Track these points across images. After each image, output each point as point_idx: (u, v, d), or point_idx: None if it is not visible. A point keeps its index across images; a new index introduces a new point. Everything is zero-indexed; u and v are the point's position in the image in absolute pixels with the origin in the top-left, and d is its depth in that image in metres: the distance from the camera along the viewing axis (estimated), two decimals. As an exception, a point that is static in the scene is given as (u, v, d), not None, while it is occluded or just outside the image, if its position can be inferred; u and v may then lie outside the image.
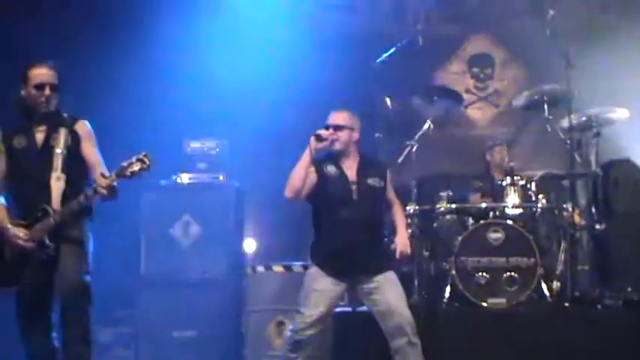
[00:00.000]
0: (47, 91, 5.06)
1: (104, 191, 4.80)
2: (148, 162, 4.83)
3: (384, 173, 5.77)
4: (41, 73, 5.08)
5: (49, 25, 7.94)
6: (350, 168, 5.66)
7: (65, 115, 5.20)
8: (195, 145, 7.51)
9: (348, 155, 5.68)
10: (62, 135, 5.08)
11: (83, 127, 5.21)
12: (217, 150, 7.47)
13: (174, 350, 6.96)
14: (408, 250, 5.78)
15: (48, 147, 5.07)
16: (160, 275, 7.09)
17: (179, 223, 7.18)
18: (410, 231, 7.08)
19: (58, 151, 5.03)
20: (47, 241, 4.90)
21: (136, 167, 4.79)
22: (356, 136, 5.69)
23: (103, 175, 4.84)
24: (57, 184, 4.97)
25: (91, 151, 5.18)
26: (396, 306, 5.46)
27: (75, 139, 5.12)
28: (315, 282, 5.50)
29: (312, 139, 5.44)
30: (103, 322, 7.43)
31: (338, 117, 5.67)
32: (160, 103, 8.20)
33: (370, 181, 5.65)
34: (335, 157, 5.68)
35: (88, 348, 5.01)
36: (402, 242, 5.75)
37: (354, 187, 5.61)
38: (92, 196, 4.87)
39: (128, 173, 4.79)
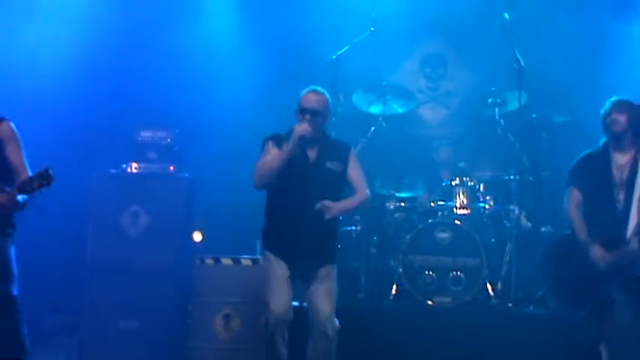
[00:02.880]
0: None
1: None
2: (48, 178, 4.63)
3: (346, 157, 5.51)
4: None
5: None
6: (311, 149, 5.42)
7: None
8: (146, 134, 7.41)
9: (314, 138, 5.40)
10: None
11: (7, 129, 5.00)
12: (168, 140, 7.39)
13: (118, 340, 6.89)
14: (331, 212, 5.29)
15: None
16: (107, 264, 7.00)
17: (128, 212, 7.11)
18: (359, 227, 7.16)
19: None
20: None
21: (36, 184, 4.63)
22: (327, 119, 5.49)
23: (2, 190, 4.71)
24: None
25: (14, 154, 4.97)
26: (321, 302, 5.30)
27: None
28: (271, 269, 5.37)
29: (296, 136, 5.20)
30: (48, 309, 7.36)
31: (315, 101, 5.37)
32: (112, 91, 8.11)
33: (329, 164, 5.42)
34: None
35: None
36: (338, 204, 5.38)
37: (312, 169, 5.39)
38: None
39: (29, 189, 4.66)
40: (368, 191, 5.60)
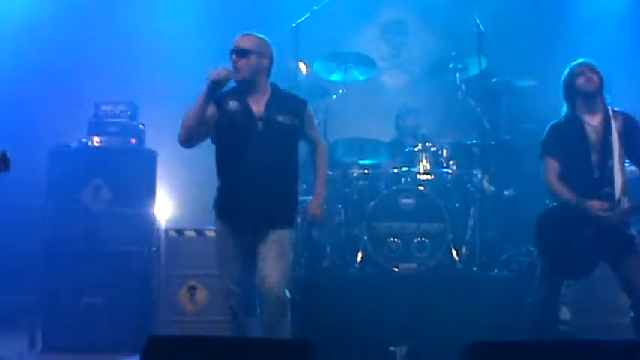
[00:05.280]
0: None
1: None
2: (6, 162, 4.51)
3: (301, 110, 5.13)
4: None
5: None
6: (257, 102, 5.00)
7: None
8: (106, 107, 7.30)
9: (256, 88, 5.02)
10: None
11: None
12: (129, 113, 7.30)
13: (82, 317, 6.84)
14: (320, 215, 5.22)
15: None
16: (69, 240, 6.93)
17: (89, 187, 7.03)
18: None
19: None
20: None
21: None
22: (266, 63, 5.02)
23: None
24: None
25: None
26: (266, 269, 4.88)
27: None
28: (220, 241, 5.08)
29: (209, 77, 4.80)
30: (7, 290, 7.26)
31: (243, 41, 5.00)
32: (71, 64, 7.99)
33: (280, 118, 4.99)
34: (241, 91, 5.03)
35: None
36: (314, 204, 5.18)
37: (259, 123, 4.96)
38: None
39: None
40: (324, 142, 5.37)
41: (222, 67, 4.87)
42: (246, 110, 4.98)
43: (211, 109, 4.95)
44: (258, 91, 5.03)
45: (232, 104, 4.99)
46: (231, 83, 4.99)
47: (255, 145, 4.94)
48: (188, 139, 4.96)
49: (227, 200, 5.05)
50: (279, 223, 4.99)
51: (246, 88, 5.02)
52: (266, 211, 4.95)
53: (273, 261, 4.89)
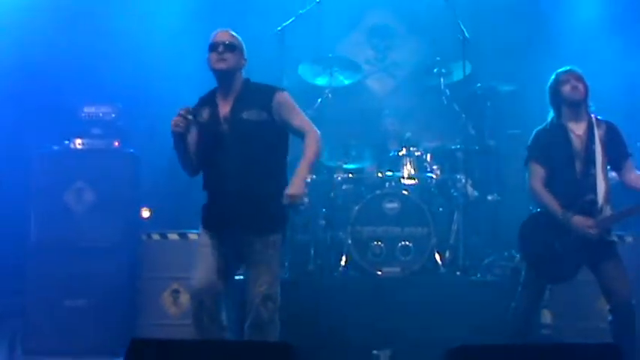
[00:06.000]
0: None
1: None
2: None
3: (267, 100, 4.83)
4: None
5: None
6: (226, 104, 4.85)
7: None
8: (89, 109, 7.28)
9: (231, 86, 4.88)
10: None
11: None
12: (112, 115, 7.28)
13: (65, 319, 6.81)
14: (298, 196, 4.71)
15: None
16: (52, 243, 6.90)
17: (72, 189, 7.00)
18: (307, 200, 7.13)
19: None
20: None
21: None
22: (243, 62, 4.91)
23: None
24: None
25: None
26: (253, 284, 4.78)
27: None
28: (200, 243, 4.93)
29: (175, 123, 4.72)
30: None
31: (229, 36, 4.89)
32: (54, 66, 7.95)
33: (245, 115, 4.78)
34: (212, 95, 4.94)
35: None
36: (292, 184, 4.72)
37: (224, 126, 4.81)
38: None
39: None
40: (317, 130, 4.87)
41: (176, 116, 4.76)
42: (214, 115, 4.86)
43: (193, 131, 4.90)
44: (229, 92, 4.88)
45: (204, 113, 4.89)
46: (212, 85, 4.96)
47: (223, 148, 4.79)
48: (193, 172, 5.00)
49: (208, 208, 4.95)
50: (262, 227, 4.81)
51: (220, 86, 4.91)
52: (245, 216, 4.77)
53: (259, 274, 4.77)
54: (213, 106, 4.89)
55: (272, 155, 4.87)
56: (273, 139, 4.86)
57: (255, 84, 4.97)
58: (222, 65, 4.82)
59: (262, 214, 4.79)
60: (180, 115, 4.74)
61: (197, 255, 4.90)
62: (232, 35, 4.94)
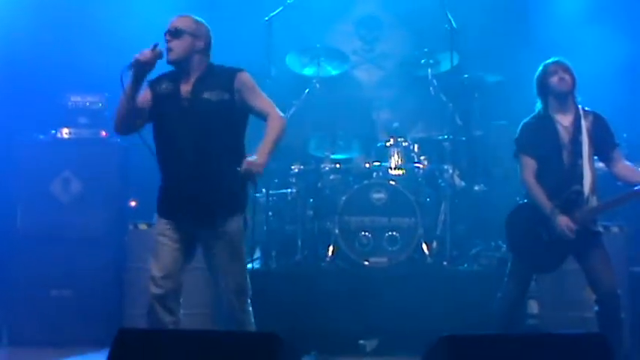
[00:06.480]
0: None
1: None
2: None
3: (229, 82, 4.68)
4: None
5: None
6: (187, 84, 4.67)
7: None
8: (76, 99, 7.25)
9: (190, 69, 4.70)
10: None
11: None
12: (99, 104, 7.25)
13: (51, 309, 6.80)
14: (258, 165, 4.52)
15: None
16: (38, 232, 6.89)
17: (58, 179, 6.98)
18: (294, 190, 7.15)
19: None
20: None
21: None
22: (200, 44, 4.70)
23: None
24: None
25: None
26: (223, 275, 4.68)
27: None
28: (157, 231, 4.72)
29: (133, 62, 4.51)
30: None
31: (177, 21, 4.73)
32: (39, 55, 7.89)
33: (207, 94, 4.62)
34: (175, 74, 4.75)
35: None
36: (256, 155, 4.55)
37: (184, 103, 4.63)
38: None
39: None
40: (281, 113, 4.73)
41: (149, 49, 4.56)
42: (175, 92, 4.66)
43: (146, 96, 4.72)
44: (191, 73, 4.68)
45: (164, 88, 4.69)
46: (169, 67, 4.74)
47: (181, 127, 4.59)
48: (121, 127, 4.74)
49: (164, 191, 4.76)
50: (221, 212, 4.63)
51: (180, 70, 4.70)
52: (203, 200, 4.61)
53: (229, 260, 4.66)
54: (174, 84, 4.70)
55: (231, 135, 4.70)
56: (233, 120, 4.70)
57: (219, 66, 4.80)
58: (169, 56, 4.66)
59: (221, 193, 4.62)
60: (149, 49, 4.56)
61: (156, 241, 4.70)
62: (182, 20, 4.74)
